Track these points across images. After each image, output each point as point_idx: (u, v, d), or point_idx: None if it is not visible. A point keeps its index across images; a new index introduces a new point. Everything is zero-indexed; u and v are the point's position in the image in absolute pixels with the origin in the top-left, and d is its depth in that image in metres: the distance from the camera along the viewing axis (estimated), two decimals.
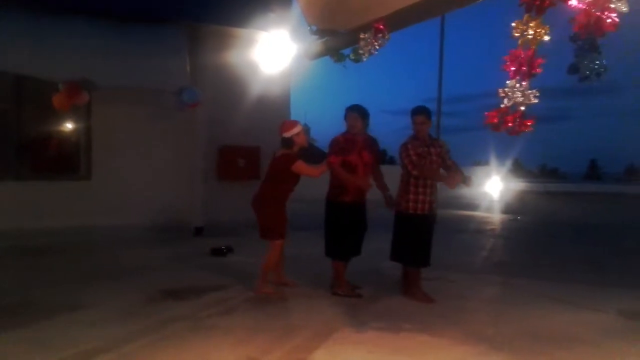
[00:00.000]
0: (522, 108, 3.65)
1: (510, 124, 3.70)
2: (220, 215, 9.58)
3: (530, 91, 3.66)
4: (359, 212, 5.57)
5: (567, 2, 3.41)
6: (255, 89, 9.55)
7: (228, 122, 9.67)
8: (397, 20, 5.38)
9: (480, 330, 4.53)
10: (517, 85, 3.66)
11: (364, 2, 5.49)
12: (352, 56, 5.40)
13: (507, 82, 3.70)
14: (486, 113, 3.79)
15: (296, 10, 9.32)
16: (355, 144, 5.37)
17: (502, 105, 3.71)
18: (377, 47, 5.25)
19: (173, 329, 4.40)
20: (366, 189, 5.43)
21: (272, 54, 8.69)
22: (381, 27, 5.22)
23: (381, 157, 5.53)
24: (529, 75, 3.65)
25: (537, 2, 3.57)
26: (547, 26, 3.61)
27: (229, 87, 9.60)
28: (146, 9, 8.45)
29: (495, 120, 3.74)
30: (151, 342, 4.07)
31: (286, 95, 10.69)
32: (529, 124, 3.70)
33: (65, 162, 8.93)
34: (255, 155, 10.10)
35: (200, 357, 3.84)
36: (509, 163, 32.62)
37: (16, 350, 3.87)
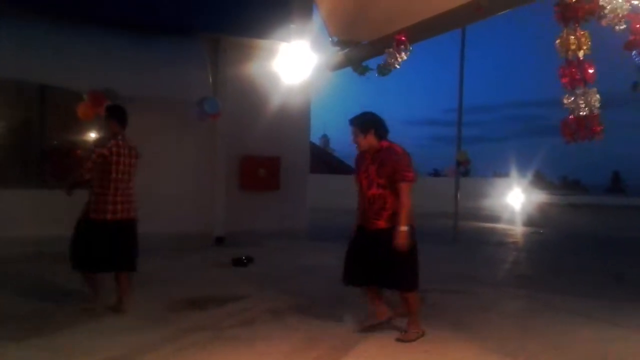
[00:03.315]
0: (596, 113, 3.66)
1: (582, 133, 3.72)
2: (241, 225, 9.61)
3: (591, 98, 3.67)
4: (366, 238, 4.56)
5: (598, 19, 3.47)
6: (276, 99, 9.61)
7: (249, 132, 9.73)
8: (419, 32, 5.38)
9: (504, 345, 4.44)
10: (577, 94, 3.69)
11: (386, 14, 5.50)
12: (377, 72, 5.39)
13: (567, 94, 3.73)
14: (561, 125, 3.80)
15: (317, 22, 9.42)
16: (363, 161, 4.59)
17: (571, 116, 3.73)
18: (400, 60, 5.26)
19: (194, 338, 4.40)
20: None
21: (293, 64, 8.76)
22: (403, 38, 5.23)
23: (398, 171, 4.32)
24: (584, 84, 3.67)
25: (571, 15, 3.60)
26: (588, 34, 3.66)
27: (250, 97, 9.67)
28: (169, 21, 8.59)
29: (570, 132, 3.75)
30: (173, 352, 4.07)
31: (307, 105, 10.73)
32: (599, 130, 3.70)
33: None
34: (275, 165, 10.14)
35: None
36: (530, 174, 32.24)
37: (38, 359, 3.90)
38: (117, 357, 3.91)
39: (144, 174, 9.05)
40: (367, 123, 4.50)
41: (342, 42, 6.18)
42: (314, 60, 8.62)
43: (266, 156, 10.08)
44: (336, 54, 6.26)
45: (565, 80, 3.79)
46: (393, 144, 4.50)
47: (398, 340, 4.44)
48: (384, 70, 5.23)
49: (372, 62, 5.95)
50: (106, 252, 5.00)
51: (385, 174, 4.39)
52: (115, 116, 5.21)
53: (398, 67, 5.33)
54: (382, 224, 4.41)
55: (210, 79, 8.69)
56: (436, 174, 50.52)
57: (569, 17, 3.77)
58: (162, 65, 8.11)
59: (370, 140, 4.46)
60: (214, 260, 7.92)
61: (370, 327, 4.66)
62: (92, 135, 9.12)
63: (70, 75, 7.42)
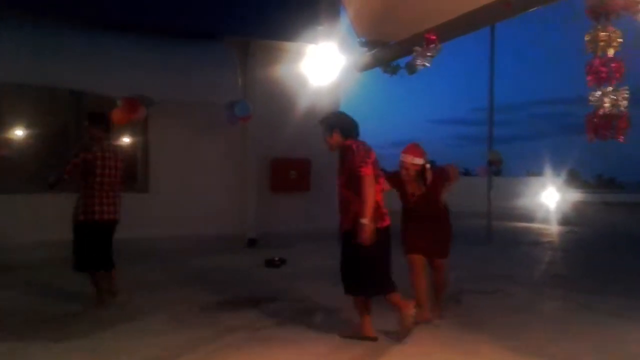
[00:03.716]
0: (624, 111, 3.58)
1: (605, 131, 3.64)
2: (272, 227, 9.69)
3: (620, 96, 3.59)
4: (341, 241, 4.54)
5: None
6: (305, 101, 9.64)
7: (279, 134, 9.79)
8: (448, 30, 5.34)
9: (542, 346, 4.36)
10: (605, 92, 3.61)
11: (414, 13, 5.47)
12: (406, 69, 5.37)
13: (593, 91, 3.65)
14: (585, 122, 3.73)
15: (345, 23, 9.42)
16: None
17: (599, 112, 3.65)
18: (430, 59, 5.23)
19: (230, 339, 4.45)
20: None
21: (321, 66, 8.78)
22: (433, 37, 5.19)
23: (353, 168, 4.16)
24: (610, 81, 3.59)
25: (603, 10, 3.52)
26: (619, 31, 3.57)
27: (279, 100, 9.73)
28: (200, 26, 8.73)
29: (593, 129, 3.68)
30: (210, 352, 4.13)
31: (336, 107, 10.71)
32: (624, 129, 3.62)
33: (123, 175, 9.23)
34: (306, 167, 10.19)
35: None
36: (564, 173, 31.56)
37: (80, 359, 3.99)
38: (155, 358, 3.98)
39: (177, 176, 9.33)
40: (332, 122, 4.46)
41: (370, 43, 6.17)
42: (342, 61, 8.64)
43: (296, 158, 10.12)
44: (364, 54, 6.25)
45: (591, 77, 3.70)
46: (356, 141, 4.34)
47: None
48: (414, 68, 5.20)
49: (401, 62, 5.96)
50: (100, 251, 5.35)
51: (344, 173, 4.31)
52: (97, 123, 5.43)
53: (428, 65, 5.29)
54: (347, 225, 4.31)
55: (240, 82, 8.78)
56: (466, 173, 49.86)
57: (601, 12, 3.69)
58: (193, 70, 8.23)
59: (337, 139, 4.39)
60: (247, 261, 7.99)
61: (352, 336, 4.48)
62: (126, 140, 9.33)
63: (104, 81, 7.59)
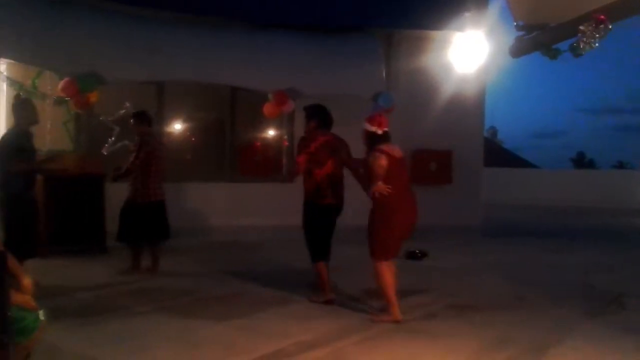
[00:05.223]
0: None
1: None
2: None
3: None
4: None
5: None
6: (449, 91, 9.37)
7: (421, 125, 9.60)
8: (617, 11, 4.86)
9: None
10: None
11: None
12: (572, 52, 4.98)
13: None
14: None
15: (495, 8, 9.00)
16: None
17: None
18: (598, 40, 4.80)
19: (378, 328, 4.48)
20: None
21: (467, 54, 8.48)
22: (602, 17, 4.76)
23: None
24: None
25: None
26: None
27: (422, 90, 9.55)
28: (346, 20, 8.85)
29: None
30: (361, 340, 4.19)
31: (481, 96, 10.31)
32: None
33: (270, 166, 9.70)
34: (447, 159, 9.90)
35: (410, 359, 3.85)
36: None
37: (238, 338, 4.23)
38: (311, 342, 4.12)
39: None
40: (311, 112, 5.45)
41: (528, 27, 5.80)
42: (488, 48, 8.26)
43: (438, 149, 9.89)
44: (521, 39, 5.90)
45: None
46: (313, 133, 5.34)
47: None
48: (580, 50, 4.79)
49: (562, 45, 5.54)
50: (150, 227, 6.15)
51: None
52: (143, 121, 6.29)
53: (595, 46, 4.86)
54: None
55: (384, 74, 8.76)
56: (620, 166, 45.56)
57: None
58: (339, 63, 8.35)
59: (312, 126, 5.36)
60: None
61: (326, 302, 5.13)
62: (274, 133, 9.78)
63: (257, 77, 7.98)
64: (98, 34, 7.20)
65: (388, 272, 4.67)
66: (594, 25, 4.67)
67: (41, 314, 2.82)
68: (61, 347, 3.81)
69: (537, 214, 14.09)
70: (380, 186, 4.56)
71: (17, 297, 2.70)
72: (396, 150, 4.76)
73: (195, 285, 5.86)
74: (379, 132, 4.73)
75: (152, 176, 6.14)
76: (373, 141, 4.75)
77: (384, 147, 4.68)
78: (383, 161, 4.58)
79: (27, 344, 2.82)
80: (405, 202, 4.73)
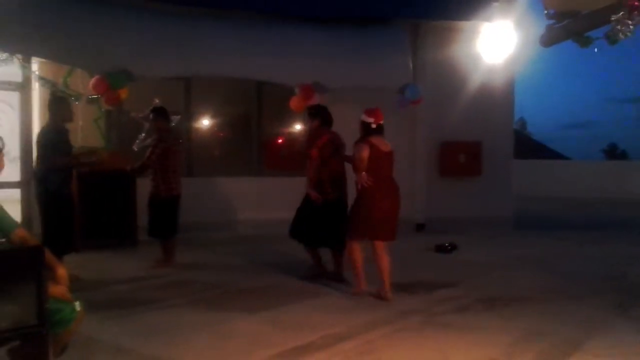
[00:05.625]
0: None
1: None
2: (441, 212, 9.48)
3: None
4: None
5: None
6: (477, 82, 9.24)
7: (449, 117, 9.50)
8: None
9: None
10: None
11: None
12: (607, 39, 4.86)
13: None
14: None
15: None
16: None
17: None
18: (632, 28, 4.67)
19: (408, 321, 4.48)
20: None
21: (496, 45, 8.32)
22: (637, 3, 4.62)
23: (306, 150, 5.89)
24: None
25: None
26: None
27: (450, 81, 9.44)
28: (372, 11, 8.77)
29: None
30: (390, 333, 4.20)
31: (510, 87, 10.11)
32: None
33: (296, 159, 9.71)
34: (476, 150, 9.77)
35: (439, 352, 3.84)
36: None
37: (267, 330, 4.28)
38: (341, 334, 4.13)
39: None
40: (315, 112, 5.84)
41: (559, 15, 5.68)
42: (517, 38, 8.09)
43: (467, 141, 9.76)
44: (552, 27, 5.77)
45: None
46: (319, 130, 5.68)
47: None
48: (615, 38, 4.67)
49: (593, 33, 5.42)
50: (173, 220, 6.31)
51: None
52: (162, 117, 6.40)
53: (629, 35, 4.74)
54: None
55: (411, 66, 8.68)
56: None
57: None
58: (365, 55, 8.30)
59: (316, 125, 5.71)
60: (417, 246, 7.94)
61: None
62: (299, 127, 9.80)
63: (283, 71, 8.01)
64: (127, 31, 7.32)
65: (357, 251, 5.12)
66: (628, 12, 4.54)
67: (77, 305, 2.87)
68: (97, 339, 3.91)
69: (568, 206, 13.84)
70: (362, 177, 4.94)
71: (53, 289, 2.74)
72: (385, 144, 5.10)
73: (225, 278, 5.92)
74: (373, 125, 5.02)
75: (171, 171, 6.26)
76: (365, 132, 5.06)
77: (373, 139, 5.01)
78: (365, 153, 4.93)
79: (64, 336, 2.88)
80: (385, 192, 5.07)
